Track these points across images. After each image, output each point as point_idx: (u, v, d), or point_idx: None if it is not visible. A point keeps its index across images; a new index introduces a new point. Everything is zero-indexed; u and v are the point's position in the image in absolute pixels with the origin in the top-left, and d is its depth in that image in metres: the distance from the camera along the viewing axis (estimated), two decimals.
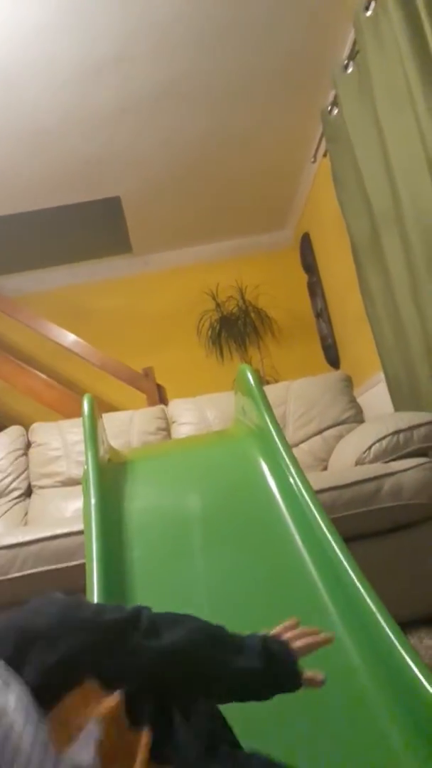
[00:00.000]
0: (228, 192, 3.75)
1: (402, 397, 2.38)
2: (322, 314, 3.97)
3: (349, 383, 2.69)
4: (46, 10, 2.27)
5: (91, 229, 3.93)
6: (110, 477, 1.09)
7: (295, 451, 2.51)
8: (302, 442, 2.56)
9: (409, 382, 2.32)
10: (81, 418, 1.23)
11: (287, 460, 1.04)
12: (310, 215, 3.91)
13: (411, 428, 1.85)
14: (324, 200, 3.36)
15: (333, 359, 3.92)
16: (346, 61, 2.48)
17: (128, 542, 0.96)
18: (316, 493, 1.68)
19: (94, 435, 1.13)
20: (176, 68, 2.68)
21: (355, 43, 2.39)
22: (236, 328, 4.19)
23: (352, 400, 2.61)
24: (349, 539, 1.69)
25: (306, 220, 4.02)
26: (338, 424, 2.54)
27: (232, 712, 0.61)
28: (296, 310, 4.21)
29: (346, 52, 2.49)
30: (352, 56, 2.44)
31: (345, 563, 0.81)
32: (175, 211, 3.88)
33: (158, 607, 0.88)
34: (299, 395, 2.67)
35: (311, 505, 0.92)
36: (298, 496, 0.97)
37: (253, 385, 1.22)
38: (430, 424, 1.86)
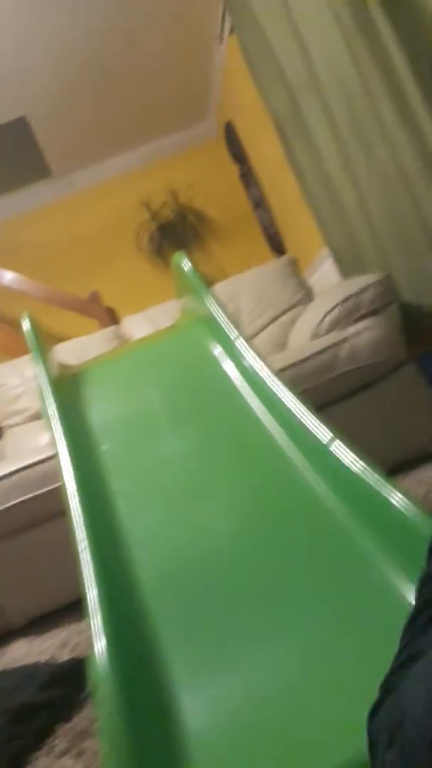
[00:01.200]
0: (139, 88, 3.54)
1: (348, 267, 2.39)
2: (260, 204, 3.89)
3: (294, 266, 2.68)
4: None
5: (2, 158, 3.70)
6: (66, 386, 1.10)
7: (254, 341, 2.57)
8: (259, 332, 2.58)
9: (352, 250, 2.32)
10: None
11: (230, 335, 1.05)
12: (230, 101, 3.73)
13: (359, 293, 1.88)
14: (240, 82, 3.20)
15: (278, 247, 3.88)
16: None
17: (95, 439, 0.97)
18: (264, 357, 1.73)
19: (39, 350, 1.12)
20: None
21: None
22: (176, 234, 4.09)
23: (301, 283, 2.62)
24: (315, 409, 1.77)
25: (226, 108, 3.84)
26: (291, 308, 2.55)
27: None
28: (233, 204, 4.10)
29: None
30: None
31: (299, 412, 0.84)
32: (89, 121, 3.66)
33: (134, 487, 0.91)
34: (248, 288, 2.67)
35: (262, 369, 0.94)
36: (249, 369, 0.98)
37: (187, 270, 1.20)
38: (378, 285, 1.88)
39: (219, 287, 2.90)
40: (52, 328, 4.03)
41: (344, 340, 1.78)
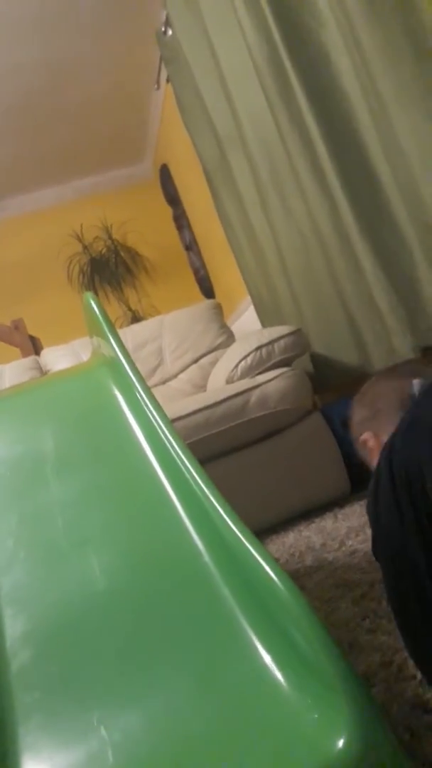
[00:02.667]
0: (76, 123, 3.58)
1: (268, 315, 2.47)
2: (191, 246, 3.97)
3: (218, 310, 2.74)
4: None
5: None
6: None
7: (174, 382, 2.59)
8: (180, 372, 2.60)
9: (272, 299, 2.40)
10: None
11: (136, 382, 1.06)
12: (166, 145, 3.83)
13: (272, 342, 1.94)
14: (175, 129, 3.29)
15: (207, 290, 3.96)
16: None
17: None
18: (188, 417, 1.75)
19: None
20: None
21: None
22: (108, 270, 4.10)
23: (223, 326, 2.67)
24: (225, 454, 1.80)
25: (162, 151, 3.94)
26: (212, 350, 2.60)
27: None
28: (166, 244, 4.17)
29: None
30: None
31: (188, 464, 0.85)
32: (24, 150, 3.66)
33: (8, 538, 0.90)
34: (173, 328, 2.70)
35: (161, 423, 0.95)
36: (149, 417, 0.99)
37: (96, 312, 1.21)
38: (289, 336, 1.95)
39: (145, 324, 2.93)
40: None
41: (255, 387, 1.82)
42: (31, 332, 3.49)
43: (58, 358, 2.74)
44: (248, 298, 2.93)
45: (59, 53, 2.96)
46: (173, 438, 0.92)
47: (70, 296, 4.06)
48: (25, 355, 3.36)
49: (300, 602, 0.64)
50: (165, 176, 3.96)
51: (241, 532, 0.74)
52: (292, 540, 1.67)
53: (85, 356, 2.73)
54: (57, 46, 2.90)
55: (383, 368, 1.72)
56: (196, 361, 2.60)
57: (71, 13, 2.73)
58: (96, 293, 4.13)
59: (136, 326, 2.98)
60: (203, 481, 0.81)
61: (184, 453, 0.89)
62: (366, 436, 0.89)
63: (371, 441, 0.88)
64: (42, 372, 2.70)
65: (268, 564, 0.68)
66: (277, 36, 1.70)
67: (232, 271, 3.15)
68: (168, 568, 0.76)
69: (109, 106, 3.51)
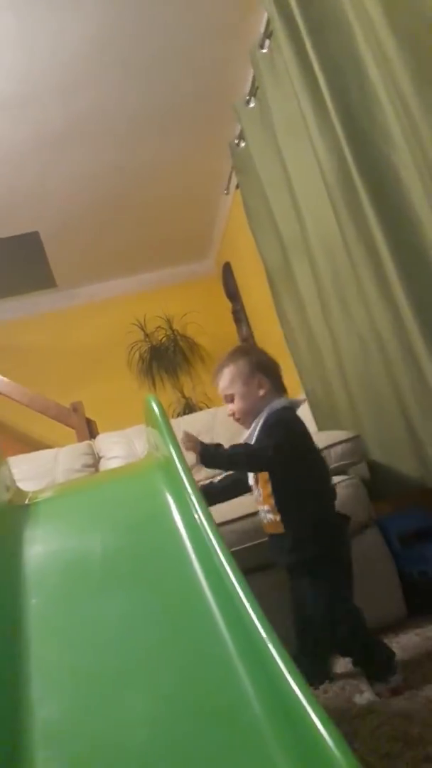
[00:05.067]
0: (148, 223, 3.79)
1: (323, 417, 2.43)
2: (248, 340, 4.03)
3: None
4: None
5: (12, 265, 3.88)
6: (8, 521, 1.06)
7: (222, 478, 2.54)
8: None
9: (328, 402, 2.37)
10: None
11: (191, 492, 1.03)
12: (230, 245, 3.98)
13: (328, 447, 1.88)
14: (241, 230, 3.44)
15: None
16: (248, 97, 2.56)
17: (25, 589, 0.92)
18: (233, 522, 1.69)
19: None
20: (81, 105, 2.71)
21: (254, 78, 2.48)
22: (166, 358, 4.20)
23: None
24: (271, 564, 1.71)
25: (226, 250, 4.10)
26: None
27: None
28: (224, 337, 4.25)
29: (248, 87, 2.58)
30: (252, 92, 2.53)
31: (245, 602, 0.79)
32: (97, 243, 3.88)
33: (53, 655, 0.85)
34: (225, 420, 2.68)
35: (213, 540, 0.91)
36: (201, 530, 0.95)
37: (158, 415, 1.21)
38: (347, 442, 1.90)
39: (198, 416, 2.93)
40: (32, 430, 4.02)
41: None
42: (89, 415, 3.56)
43: (111, 444, 2.75)
44: (301, 397, 2.91)
45: (136, 157, 3.18)
46: (228, 564, 0.87)
47: (128, 382, 4.16)
48: (80, 437, 3.41)
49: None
50: (227, 273, 4.10)
51: (293, 676, 0.68)
52: (340, 669, 1.54)
53: (138, 444, 2.73)
54: (134, 150, 3.13)
55: None
56: None
57: (152, 124, 2.96)
58: (153, 379, 4.22)
59: (188, 417, 2.99)
60: (257, 617, 0.76)
61: (237, 578, 0.84)
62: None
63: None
64: (95, 458, 2.71)
65: (323, 724, 0.62)
66: (348, 154, 1.77)
67: (288, 369, 3.15)
68: (214, 722, 0.69)
69: (178, 207, 3.71)
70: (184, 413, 3.86)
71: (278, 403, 1.45)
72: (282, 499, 1.40)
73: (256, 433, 1.44)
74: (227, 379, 1.49)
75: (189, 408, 4.04)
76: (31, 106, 2.64)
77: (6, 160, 2.93)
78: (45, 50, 2.38)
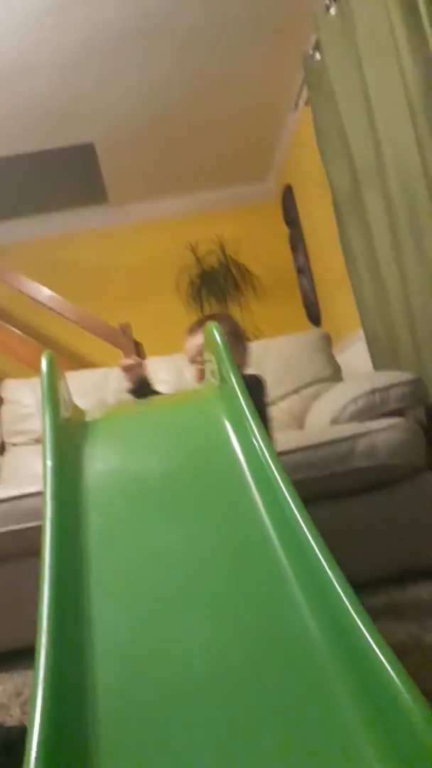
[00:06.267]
0: (207, 139, 3.61)
1: (381, 356, 2.35)
2: (303, 270, 3.90)
3: (327, 341, 2.65)
4: None
5: (65, 177, 3.79)
6: (69, 437, 1.05)
7: (271, 409, 2.52)
8: (279, 400, 2.53)
9: (388, 342, 2.28)
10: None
11: (251, 421, 1.00)
12: (293, 166, 3.78)
13: (387, 388, 1.83)
14: (307, 151, 3.24)
15: (314, 316, 3.87)
16: (327, 2, 2.34)
17: (85, 505, 0.92)
18: (287, 454, 1.67)
19: (51, 394, 1.08)
20: (146, 4, 2.51)
21: None
22: (217, 284, 4.11)
23: (331, 359, 2.58)
24: (322, 498, 1.70)
25: (288, 172, 3.90)
26: (316, 382, 2.51)
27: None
28: (278, 265, 4.12)
29: None
30: None
31: (305, 529, 0.78)
32: (153, 159, 3.74)
33: (112, 575, 0.86)
34: (277, 354, 2.63)
35: (274, 469, 0.89)
36: (262, 460, 0.93)
37: (219, 343, 1.17)
38: (408, 384, 1.83)
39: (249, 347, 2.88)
40: (80, 349, 4.04)
41: (364, 434, 1.72)
42: (136, 337, 3.55)
43: (159, 369, 2.74)
44: (358, 332, 2.82)
45: (202, 70, 2.99)
46: (287, 491, 0.85)
47: (176, 307, 4.10)
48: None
49: (417, 700, 0.57)
50: (287, 197, 3.92)
51: (354, 608, 0.67)
52: (382, 605, 1.55)
53: (187, 372, 2.72)
54: (201, 62, 2.94)
55: None
56: (297, 391, 2.52)
57: (218, 31, 2.75)
58: (201, 305, 4.15)
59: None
60: (321, 552, 0.74)
61: (297, 508, 0.82)
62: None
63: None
64: None
65: (385, 656, 0.61)
66: None
67: (345, 301, 3.05)
68: (272, 652, 0.69)
69: (240, 123, 3.51)
70: None
71: (248, 371, 1.56)
72: None
73: None
74: None
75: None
76: (89, 5, 2.46)
77: (63, 66, 2.78)
78: None
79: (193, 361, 1.57)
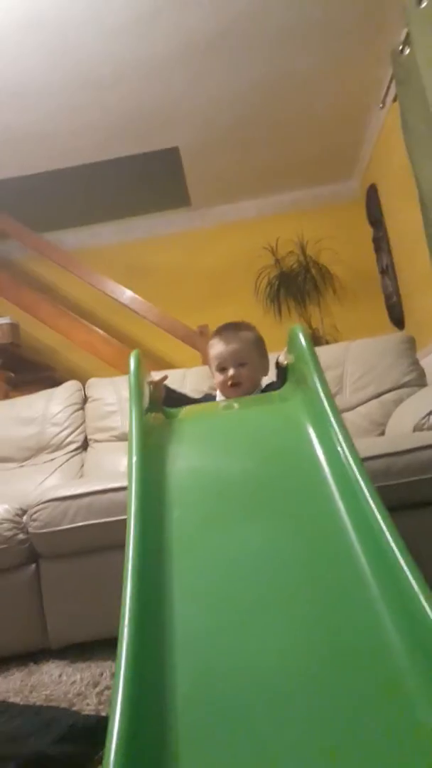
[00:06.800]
0: (290, 140, 3.59)
1: None
2: (387, 271, 3.79)
3: (411, 345, 2.56)
4: None
5: (150, 181, 3.87)
6: (154, 434, 1.08)
7: (351, 414, 2.47)
8: (359, 405, 2.47)
9: None
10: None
11: (336, 426, 0.98)
12: (378, 165, 3.69)
13: None
14: (393, 149, 3.16)
15: (397, 319, 3.76)
16: None
17: (168, 502, 0.94)
18: (368, 460, 1.63)
19: (138, 392, 1.11)
20: (231, 10, 2.54)
21: None
22: (295, 285, 4.07)
23: (414, 363, 2.49)
24: (403, 507, 1.65)
25: (373, 171, 3.81)
26: (398, 387, 2.43)
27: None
28: (360, 266, 4.03)
29: None
30: None
31: (388, 536, 0.76)
32: (236, 162, 3.75)
33: (192, 573, 0.87)
34: (358, 357, 2.57)
35: (357, 475, 0.87)
36: (345, 465, 0.92)
37: (305, 346, 1.16)
38: None
39: (328, 349, 2.84)
40: (159, 350, 4.12)
41: None
42: None
43: None
44: None
45: (288, 70, 2.98)
46: (371, 497, 0.83)
47: (254, 308, 4.10)
48: (205, 360, 3.45)
49: None
50: (372, 196, 3.83)
51: None
52: None
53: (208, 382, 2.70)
54: (287, 63, 2.92)
55: None
56: (378, 396, 2.45)
57: (305, 31, 2.73)
58: (279, 307, 4.13)
59: (319, 349, 2.90)
60: (404, 560, 0.72)
61: (382, 517, 0.80)
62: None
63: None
64: None
65: None
66: None
67: (430, 303, 2.95)
68: (349, 662, 0.67)
69: (325, 122, 3.47)
70: None
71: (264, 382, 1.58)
72: None
73: None
74: (250, 344, 1.55)
75: (315, 339, 3.93)
76: (178, 14, 2.51)
77: (152, 73, 2.85)
78: None
79: (222, 368, 1.54)
